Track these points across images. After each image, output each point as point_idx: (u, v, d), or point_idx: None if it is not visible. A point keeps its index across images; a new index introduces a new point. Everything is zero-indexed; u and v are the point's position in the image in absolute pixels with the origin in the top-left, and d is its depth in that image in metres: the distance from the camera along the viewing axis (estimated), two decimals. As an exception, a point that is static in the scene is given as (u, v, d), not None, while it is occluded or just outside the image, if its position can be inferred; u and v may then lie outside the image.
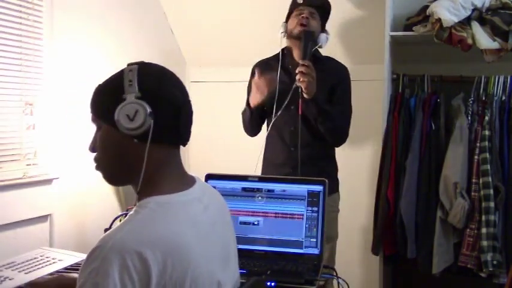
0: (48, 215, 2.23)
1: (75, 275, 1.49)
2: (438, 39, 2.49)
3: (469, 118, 2.54)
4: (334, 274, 1.82)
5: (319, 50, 2.39)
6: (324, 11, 2.39)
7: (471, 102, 2.55)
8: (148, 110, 1.01)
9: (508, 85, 2.53)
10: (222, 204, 1.24)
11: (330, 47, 2.79)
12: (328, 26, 2.60)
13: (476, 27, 2.50)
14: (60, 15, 2.29)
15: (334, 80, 2.35)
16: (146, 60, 1.14)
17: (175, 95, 1.07)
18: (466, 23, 2.52)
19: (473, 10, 2.52)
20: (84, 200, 2.42)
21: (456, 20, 2.48)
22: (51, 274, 1.71)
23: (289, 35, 2.34)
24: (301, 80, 2.15)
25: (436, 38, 2.49)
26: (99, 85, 1.11)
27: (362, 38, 2.93)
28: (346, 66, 2.43)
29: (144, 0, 3.02)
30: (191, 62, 3.41)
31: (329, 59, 2.44)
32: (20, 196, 2.08)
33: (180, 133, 1.08)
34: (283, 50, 2.41)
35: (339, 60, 2.48)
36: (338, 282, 1.78)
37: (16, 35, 2.09)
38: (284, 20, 2.40)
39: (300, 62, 2.18)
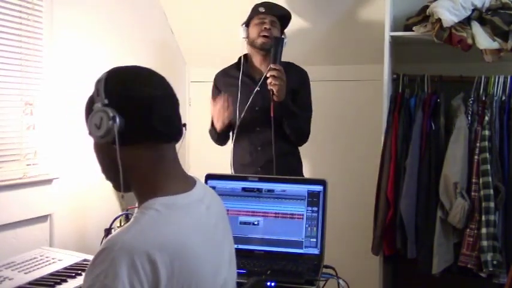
0: (48, 215, 2.23)
1: None
2: (438, 39, 2.49)
3: (469, 118, 2.54)
4: (334, 274, 1.82)
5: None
6: (284, 20, 2.52)
7: (471, 102, 2.55)
8: (111, 114, 1.00)
9: (508, 85, 2.53)
10: (220, 204, 1.25)
11: (330, 47, 2.80)
12: (328, 26, 2.60)
13: (476, 27, 2.50)
14: (60, 15, 2.29)
15: (295, 83, 2.46)
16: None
17: (145, 92, 1.04)
18: (466, 23, 2.51)
19: (473, 10, 2.52)
20: (84, 200, 2.42)
21: (456, 20, 2.48)
22: (51, 274, 1.72)
23: (251, 43, 2.47)
24: (272, 83, 2.28)
25: (436, 38, 2.49)
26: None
27: (362, 38, 2.93)
28: (304, 69, 2.56)
29: (144, 0, 3.02)
30: (191, 62, 3.41)
31: (289, 64, 2.53)
32: (20, 196, 2.08)
33: (157, 129, 1.04)
34: (241, 56, 2.54)
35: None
36: (338, 282, 1.78)
37: (16, 35, 2.09)
38: (243, 24, 2.50)
39: (272, 66, 2.29)
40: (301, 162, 2.59)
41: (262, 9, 2.44)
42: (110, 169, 1.08)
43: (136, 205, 1.09)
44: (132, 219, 1.01)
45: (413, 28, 2.64)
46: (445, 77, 2.66)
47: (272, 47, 2.35)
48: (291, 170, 2.44)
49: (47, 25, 2.22)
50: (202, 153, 3.07)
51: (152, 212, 1.00)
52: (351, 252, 2.95)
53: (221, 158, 2.60)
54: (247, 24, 2.49)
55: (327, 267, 1.85)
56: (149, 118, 1.03)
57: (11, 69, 2.07)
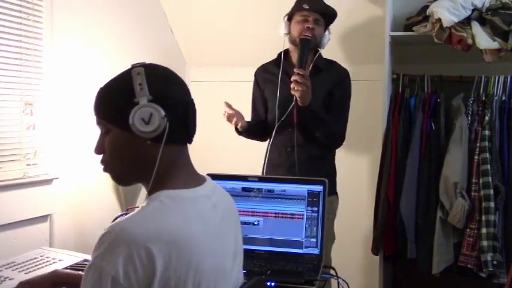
0: (48, 215, 2.23)
1: (69, 271, 1.50)
2: (438, 39, 2.49)
3: (469, 118, 2.54)
4: (334, 274, 1.82)
5: (323, 51, 2.40)
6: (329, 18, 2.38)
7: (471, 102, 2.55)
8: (163, 113, 1.02)
9: (508, 85, 2.53)
10: (230, 204, 1.25)
11: (330, 47, 2.79)
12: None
13: (476, 27, 2.50)
14: (60, 15, 2.29)
15: (332, 83, 2.35)
16: (147, 60, 1.14)
17: (182, 95, 1.10)
18: (466, 23, 2.52)
19: (473, 10, 2.52)
20: (84, 200, 2.42)
21: (456, 20, 2.48)
22: (51, 274, 1.71)
23: (292, 41, 2.35)
24: (295, 88, 2.17)
25: (436, 38, 2.49)
26: (104, 88, 1.10)
27: (362, 38, 2.93)
28: (347, 69, 2.43)
29: (144, 0, 3.02)
30: (191, 62, 3.41)
31: (330, 63, 2.43)
32: (20, 196, 2.08)
33: (189, 132, 1.11)
34: (282, 52, 2.41)
35: (339, 61, 2.48)
36: (338, 282, 1.78)
37: (16, 35, 2.08)
38: (285, 16, 2.37)
39: (295, 70, 2.18)
40: (333, 167, 2.48)
41: (306, 6, 2.29)
42: (128, 161, 1.09)
43: (137, 205, 1.09)
44: (137, 209, 1.02)
45: (413, 28, 2.65)
46: (445, 77, 2.66)
47: (298, 49, 2.25)
48: (320, 173, 2.22)
49: (47, 25, 2.22)
50: (202, 153, 3.07)
51: (156, 203, 1.02)
52: (351, 252, 2.95)
53: (221, 158, 2.60)
54: (289, 18, 2.36)
55: (327, 267, 1.85)
56: (186, 120, 1.08)
57: (11, 69, 2.07)
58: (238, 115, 2.31)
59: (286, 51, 2.41)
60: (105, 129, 1.09)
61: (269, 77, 2.43)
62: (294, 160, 2.29)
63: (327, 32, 2.37)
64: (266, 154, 2.40)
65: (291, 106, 2.26)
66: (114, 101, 1.07)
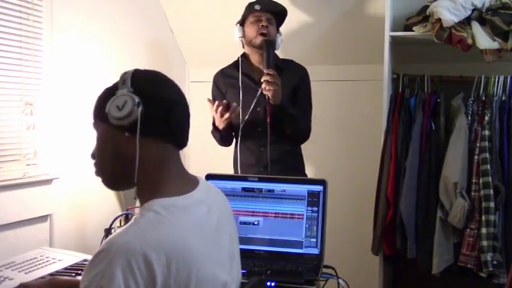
0: (48, 215, 2.23)
1: (68, 278, 1.49)
2: (438, 39, 2.49)
3: (469, 118, 2.54)
4: (334, 274, 1.82)
5: (277, 52, 2.46)
6: (280, 17, 2.47)
7: (471, 102, 2.55)
8: (137, 100, 1.03)
9: (508, 85, 2.53)
10: (224, 203, 1.25)
11: (330, 47, 2.80)
12: (328, 25, 2.59)
13: (476, 27, 2.50)
14: (60, 15, 2.29)
15: (295, 81, 2.44)
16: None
17: (169, 94, 1.09)
18: (466, 23, 2.51)
19: (473, 10, 2.52)
20: (84, 200, 2.42)
21: (456, 20, 2.48)
22: (51, 275, 1.71)
23: (248, 42, 2.42)
24: (267, 88, 2.25)
25: (436, 38, 2.49)
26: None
27: (362, 38, 2.93)
28: (304, 66, 2.52)
29: (144, 1, 3.02)
30: (191, 62, 3.41)
31: (288, 62, 2.51)
32: (20, 196, 2.08)
33: (172, 129, 1.09)
34: (240, 56, 2.49)
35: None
36: (338, 282, 1.78)
37: (16, 35, 2.09)
38: (237, 23, 2.46)
39: (265, 71, 2.26)
40: (303, 162, 2.59)
41: (257, 7, 2.38)
42: (111, 159, 1.09)
43: (137, 205, 1.09)
44: (131, 221, 1.01)
45: (413, 28, 2.64)
46: (445, 77, 2.66)
47: (264, 50, 2.32)
48: (294, 169, 2.44)
49: (47, 25, 2.22)
50: (202, 153, 3.08)
51: (151, 214, 1.00)
52: (351, 252, 2.95)
53: (221, 158, 2.60)
54: (241, 23, 2.45)
55: (327, 267, 1.85)
56: (168, 115, 1.07)
57: (11, 69, 2.07)
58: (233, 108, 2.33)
59: (243, 55, 2.50)
60: (96, 129, 1.11)
61: (229, 81, 2.49)
62: (266, 159, 2.37)
63: (278, 34, 2.45)
64: (236, 156, 2.45)
65: (252, 106, 2.34)
66: (100, 98, 1.10)
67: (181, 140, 1.13)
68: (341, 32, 2.96)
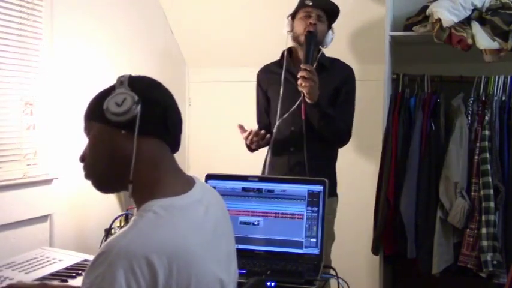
0: (48, 215, 2.23)
1: (59, 283, 1.49)
2: (438, 39, 2.49)
3: (469, 118, 2.54)
4: (334, 274, 1.82)
5: (324, 50, 2.39)
6: (332, 14, 2.36)
7: (471, 102, 2.55)
8: (136, 97, 1.04)
9: (508, 85, 2.53)
10: (221, 203, 1.24)
11: (331, 46, 2.78)
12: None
13: (476, 27, 2.50)
14: (60, 15, 2.29)
15: (338, 81, 2.34)
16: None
17: (164, 97, 1.10)
18: (466, 23, 2.52)
19: (473, 10, 2.52)
20: (84, 200, 2.42)
21: (456, 20, 2.48)
22: (51, 274, 1.72)
23: (295, 38, 2.32)
24: (303, 84, 2.14)
25: (436, 38, 2.49)
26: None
27: (362, 38, 2.93)
28: (351, 66, 2.42)
29: (144, 1, 3.02)
30: (191, 62, 3.41)
31: (334, 60, 2.42)
32: (20, 196, 2.08)
33: (168, 129, 1.09)
34: (285, 51, 2.38)
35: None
36: (338, 282, 1.78)
37: (16, 35, 2.08)
38: (289, 16, 2.35)
39: (302, 66, 2.15)
40: (334, 168, 2.45)
41: (309, 2, 2.27)
42: (104, 161, 1.07)
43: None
44: (131, 222, 1.00)
45: (413, 28, 2.65)
46: (445, 77, 2.66)
47: (304, 44, 2.21)
48: (322, 174, 2.17)
49: (47, 25, 2.22)
50: (202, 153, 3.08)
51: (150, 215, 1.00)
52: (351, 252, 2.95)
53: (221, 158, 2.60)
54: (292, 16, 2.33)
55: (327, 267, 1.85)
56: (164, 116, 1.08)
57: (11, 69, 2.07)
58: (260, 136, 2.26)
59: (289, 50, 2.39)
60: (88, 131, 1.10)
61: (272, 77, 2.40)
62: (296, 160, 2.28)
63: (330, 31, 2.35)
64: (267, 155, 2.38)
65: (297, 103, 2.23)
66: (95, 100, 1.10)
67: (176, 143, 1.14)
68: (341, 32, 2.96)
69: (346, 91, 2.35)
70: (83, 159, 1.11)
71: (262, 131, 2.26)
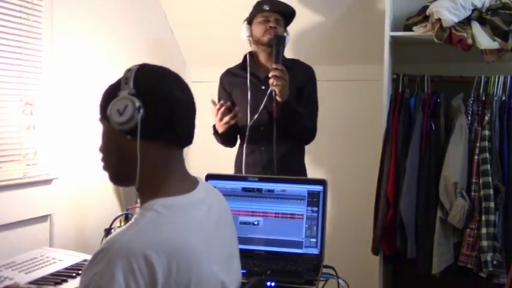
0: (48, 215, 2.23)
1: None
2: (438, 39, 2.49)
3: (469, 118, 2.54)
4: (334, 274, 1.82)
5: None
6: (289, 18, 2.46)
7: (471, 102, 2.55)
8: (137, 104, 1.02)
9: (508, 85, 2.53)
10: (223, 204, 1.24)
11: (330, 47, 2.80)
12: (328, 26, 2.58)
13: (476, 27, 2.50)
14: (60, 15, 2.29)
15: (300, 81, 2.42)
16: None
17: (173, 93, 1.07)
18: (466, 23, 2.51)
19: (473, 10, 2.52)
20: (84, 200, 2.42)
21: (456, 20, 2.48)
22: (52, 274, 1.72)
23: (256, 41, 2.41)
24: (274, 83, 2.22)
25: (436, 38, 2.49)
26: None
27: (362, 38, 2.93)
28: (311, 66, 2.51)
29: (144, 1, 3.02)
30: (191, 62, 3.41)
31: (294, 61, 2.50)
32: (20, 196, 2.08)
33: (175, 131, 1.07)
34: (247, 54, 2.47)
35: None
36: (338, 282, 1.78)
37: (16, 35, 2.08)
38: (245, 21, 2.44)
39: (273, 66, 2.24)
40: (304, 163, 2.55)
41: (266, 7, 2.36)
42: (114, 158, 1.09)
43: (136, 205, 1.09)
44: (132, 220, 1.01)
45: (413, 28, 2.65)
46: (445, 77, 2.66)
47: (274, 46, 2.31)
48: (294, 170, 2.39)
49: (47, 25, 2.22)
50: (202, 153, 3.08)
51: (151, 213, 1.00)
52: (351, 252, 2.95)
53: (221, 158, 2.60)
54: (249, 21, 2.43)
55: (327, 267, 1.85)
56: (171, 119, 1.05)
57: (11, 69, 2.07)
58: (233, 112, 2.31)
59: (251, 54, 2.48)
60: (102, 124, 1.11)
61: (236, 80, 2.47)
62: (268, 158, 2.35)
63: (288, 37, 2.43)
64: (242, 155, 2.42)
65: (264, 102, 2.31)
66: (105, 97, 1.09)
67: (185, 140, 1.12)
68: (341, 32, 2.96)
69: (310, 90, 2.46)
70: (99, 148, 1.13)
71: (236, 108, 2.32)
